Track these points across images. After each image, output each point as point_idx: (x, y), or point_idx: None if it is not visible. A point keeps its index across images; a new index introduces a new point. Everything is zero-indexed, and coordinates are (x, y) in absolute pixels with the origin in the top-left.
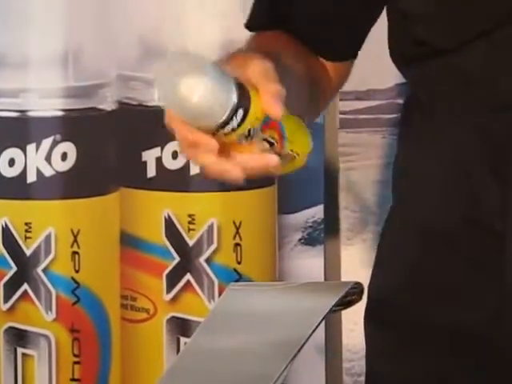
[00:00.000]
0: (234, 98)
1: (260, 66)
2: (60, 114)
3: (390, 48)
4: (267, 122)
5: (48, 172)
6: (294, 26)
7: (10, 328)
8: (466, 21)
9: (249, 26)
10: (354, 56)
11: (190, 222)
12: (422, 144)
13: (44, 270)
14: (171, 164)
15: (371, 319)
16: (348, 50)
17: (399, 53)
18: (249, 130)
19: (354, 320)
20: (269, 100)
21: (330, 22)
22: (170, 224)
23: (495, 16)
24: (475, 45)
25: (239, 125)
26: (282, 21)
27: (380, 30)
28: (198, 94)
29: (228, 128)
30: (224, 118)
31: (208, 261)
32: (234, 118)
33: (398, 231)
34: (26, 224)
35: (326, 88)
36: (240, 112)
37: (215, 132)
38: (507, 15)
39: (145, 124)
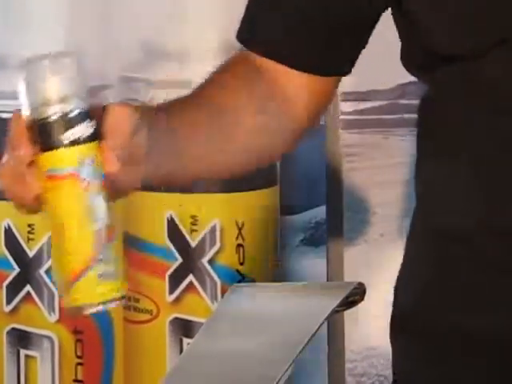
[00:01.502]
0: (83, 106)
1: (117, 117)
2: None
3: (402, 56)
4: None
5: None
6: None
7: (13, 329)
8: (485, 27)
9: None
10: (339, 69)
11: (192, 223)
12: (441, 149)
13: (46, 272)
14: None
15: (398, 328)
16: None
17: (412, 60)
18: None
19: (356, 320)
20: (109, 155)
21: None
22: (172, 225)
23: None
24: (495, 51)
25: (89, 138)
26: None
27: (381, 30)
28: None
29: (75, 133)
30: (67, 109)
31: (211, 262)
32: (83, 123)
33: (421, 238)
34: (29, 225)
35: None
36: (88, 123)
37: (55, 141)
38: None
39: None
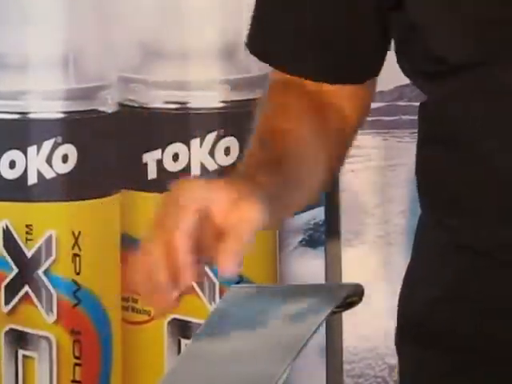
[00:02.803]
0: None
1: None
2: (61, 116)
3: (403, 67)
4: None
5: (49, 174)
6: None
7: (11, 330)
8: (491, 31)
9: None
10: (370, 74)
11: None
12: (451, 157)
13: (45, 272)
14: (172, 166)
15: (407, 337)
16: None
17: (414, 70)
18: None
19: (354, 321)
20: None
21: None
22: None
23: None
24: (502, 57)
25: None
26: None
27: None
28: None
29: None
30: None
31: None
32: None
33: (432, 247)
34: (27, 226)
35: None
36: None
37: None
38: None
39: (145, 126)
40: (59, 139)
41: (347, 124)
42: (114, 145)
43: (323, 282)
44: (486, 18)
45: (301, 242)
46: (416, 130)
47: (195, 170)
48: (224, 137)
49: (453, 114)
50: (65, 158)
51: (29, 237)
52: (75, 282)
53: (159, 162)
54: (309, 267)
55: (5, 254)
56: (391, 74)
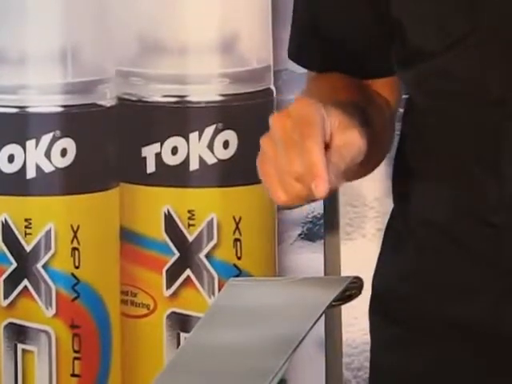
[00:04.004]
0: None
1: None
2: (59, 110)
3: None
4: None
5: (48, 168)
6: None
7: (10, 324)
8: (452, 22)
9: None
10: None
11: (189, 218)
12: (420, 142)
13: (44, 266)
14: (171, 160)
15: (375, 311)
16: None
17: (397, 60)
18: None
19: (353, 314)
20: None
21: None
22: (169, 220)
23: (478, 18)
24: (463, 46)
25: None
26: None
27: None
28: None
29: None
30: None
31: (208, 256)
32: None
33: (399, 227)
34: (26, 220)
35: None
36: None
37: None
38: (490, 16)
39: (144, 120)
40: (58, 133)
41: (391, 107)
42: (113, 138)
43: (322, 275)
44: (446, 11)
45: (300, 235)
46: None
47: (194, 164)
48: (223, 130)
49: (415, 97)
50: (63, 152)
51: (28, 231)
52: (74, 276)
53: (158, 156)
54: (308, 260)
55: (4, 247)
56: None
